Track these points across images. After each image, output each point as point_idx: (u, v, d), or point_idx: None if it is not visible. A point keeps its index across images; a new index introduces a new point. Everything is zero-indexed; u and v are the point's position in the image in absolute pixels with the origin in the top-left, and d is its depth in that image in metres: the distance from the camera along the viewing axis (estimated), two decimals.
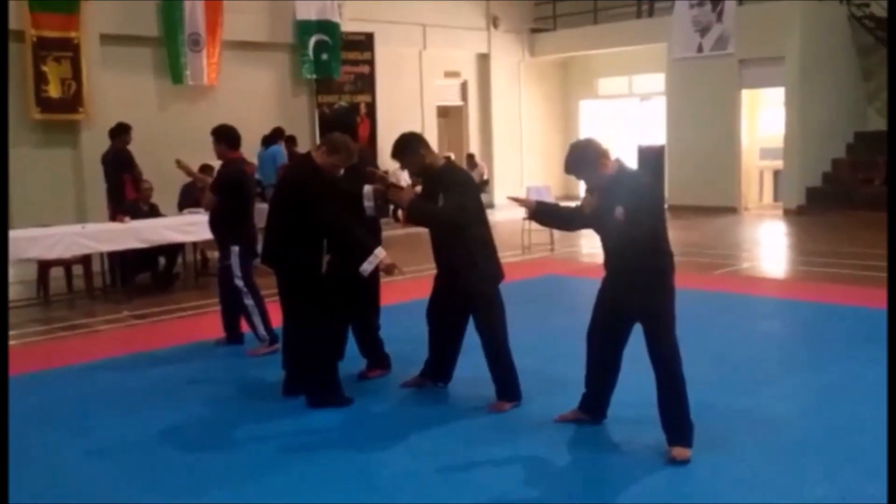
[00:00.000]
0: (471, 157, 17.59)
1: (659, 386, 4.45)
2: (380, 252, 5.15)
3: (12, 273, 10.82)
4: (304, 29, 15.14)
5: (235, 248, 6.58)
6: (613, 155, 4.56)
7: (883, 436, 4.53)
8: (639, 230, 4.34)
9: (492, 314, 5.18)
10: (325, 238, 5.35)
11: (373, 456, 4.61)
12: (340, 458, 4.60)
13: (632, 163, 17.44)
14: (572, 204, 5.08)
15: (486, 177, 17.15)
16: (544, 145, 19.63)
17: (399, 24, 16.53)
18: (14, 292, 9.98)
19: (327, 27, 15.33)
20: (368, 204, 5.65)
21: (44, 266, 9.45)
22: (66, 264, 9.65)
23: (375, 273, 5.99)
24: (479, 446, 4.66)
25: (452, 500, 4.01)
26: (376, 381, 5.86)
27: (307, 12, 15.14)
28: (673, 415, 4.41)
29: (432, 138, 17.62)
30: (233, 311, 6.84)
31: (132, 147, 10.97)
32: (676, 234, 14.18)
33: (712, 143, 16.44)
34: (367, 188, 5.64)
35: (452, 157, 16.05)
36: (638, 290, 4.42)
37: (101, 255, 9.73)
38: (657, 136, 17.88)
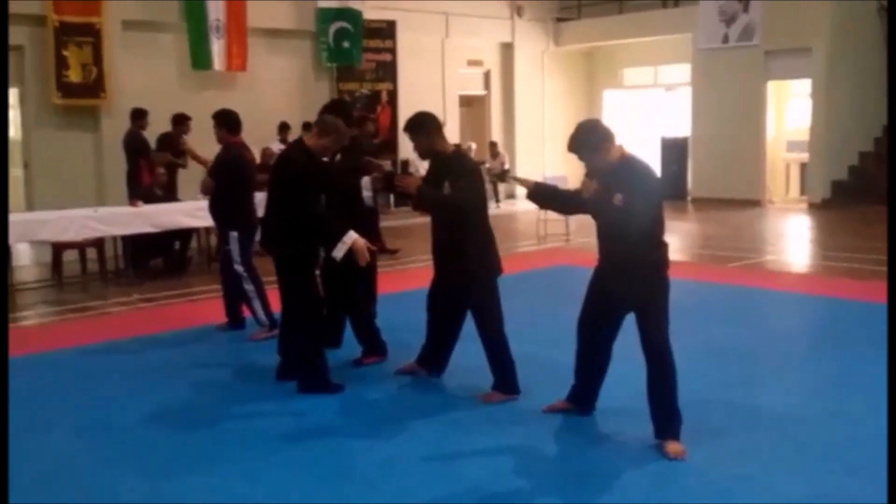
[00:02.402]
0: (493, 145, 17.51)
1: (650, 378, 4.38)
2: (348, 237, 5.09)
3: (29, 255, 10.97)
4: (325, 16, 15.13)
5: (234, 234, 6.59)
6: (620, 141, 4.50)
7: (875, 432, 4.46)
8: (636, 219, 4.25)
9: (490, 307, 5.14)
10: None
11: (356, 442, 4.58)
12: (324, 443, 4.59)
13: (656, 154, 17.48)
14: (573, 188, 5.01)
15: (507, 166, 17.06)
16: (567, 135, 19.31)
17: (421, 12, 16.46)
18: (30, 274, 10.11)
19: (348, 14, 15.31)
20: (367, 194, 5.64)
21: (58, 249, 9.53)
22: (81, 247, 9.73)
23: (373, 261, 6.00)
24: (467, 436, 4.63)
25: (429, 489, 3.97)
26: (371, 367, 5.83)
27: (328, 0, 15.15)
28: (663, 407, 4.34)
29: (454, 127, 17.60)
30: (234, 296, 6.85)
31: (151, 131, 11.05)
32: (697, 226, 14.24)
33: (737, 135, 16.23)
34: (365, 179, 5.63)
35: (473, 148, 16.26)
36: (631, 280, 4.34)
37: (115, 238, 9.80)
38: (682, 127, 17.69)
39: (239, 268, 6.61)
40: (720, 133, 16.45)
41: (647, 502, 3.88)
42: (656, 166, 17.31)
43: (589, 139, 4.41)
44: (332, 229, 5.16)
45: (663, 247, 4.42)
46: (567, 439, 4.60)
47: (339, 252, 5.09)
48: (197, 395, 5.44)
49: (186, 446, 4.58)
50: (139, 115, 10.87)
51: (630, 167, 4.35)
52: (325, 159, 5.53)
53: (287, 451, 4.48)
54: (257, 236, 6.95)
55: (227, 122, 6.60)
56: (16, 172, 13.62)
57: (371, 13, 15.66)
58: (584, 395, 4.77)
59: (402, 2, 16.05)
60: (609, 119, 19.78)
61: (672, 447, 4.26)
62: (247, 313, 6.90)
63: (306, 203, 5.16)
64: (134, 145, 10.66)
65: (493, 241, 5.24)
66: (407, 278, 8.14)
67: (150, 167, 10.54)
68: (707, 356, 6.13)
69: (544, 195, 4.91)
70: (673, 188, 17.24)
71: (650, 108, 19.60)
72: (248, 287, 6.64)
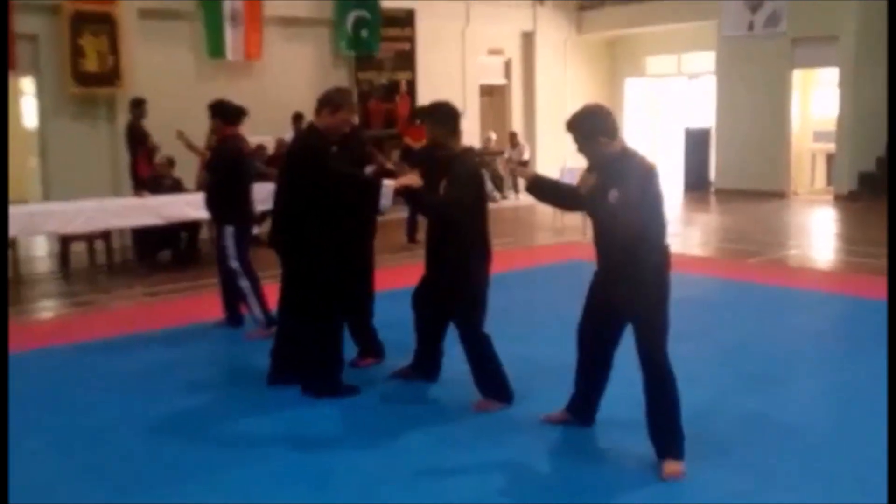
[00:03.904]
0: (513, 135, 17.24)
1: (647, 392, 4.11)
2: (385, 188, 5.05)
3: (44, 247, 10.91)
4: (343, 5, 14.94)
5: (230, 229, 6.41)
6: (627, 136, 4.25)
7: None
8: (632, 219, 3.96)
9: (474, 319, 4.89)
10: (331, 215, 5.09)
11: (342, 454, 4.38)
12: (308, 454, 4.40)
13: (679, 144, 17.10)
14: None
15: (526, 157, 16.77)
16: None
17: (441, 0, 16.17)
18: (42, 265, 10.04)
19: (367, 3, 15.12)
20: (385, 203, 5.37)
21: (65, 240, 9.44)
22: (89, 239, 9.64)
23: (370, 260, 5.79)
24: (457, 448, 4.41)
25: None
26: (367, 370, 5.63)
27: None
28: (661, 424, 4.07)
29: (474, 117, 17.33)
30: (231, 293, 6.69)
31: (168, 121, 10.91)
32: (718, 218, 13.92)
33: (763, 125, 15.86)
34: (388, 184, 5.29)
35: (493, 138, 15.98)
36: (627, 285, 4.07)
37: (123, 230, 9.69)
38: (706, 116, 17.32)
39: (234, 263, 6.43)
40: (745, 123, 16.08)
41: None
42: (679, 156, 17.17)
43: (584, 124, 4.13)
44: (373, 181, 5.14)
45: (662, 250, 4.11)
46: (562, 455, 4.38)
47: (386, 202, 5.05)
48: (184, 400, 5.24)
49: (165, 456, 4.40)
50: (137, 105, 10.75)
51: (628, 162, 4.06)
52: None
53: (269, 463, 4.29)
54: (255, 230, 6.81)
55: (223, 112, 6.41)
56: (32, 162, 13.61)
57: (390, 2, 15.41)
58: (583, 405, 4.53)
59: None
60: (631, 108, 19.49)
61: (669, 467, 4.00)
62: (245, 310, 6.73)
63: (340, 171, 5.08)
64: (132, 136, 10.55)
65: (489, 249, 4.97)
66: (407, 274, 7.91)
67: (148, 158, 10.40)
68: (720, 360, 5.89)
69: (543, 188, 4.57)
70: (696, 179, 16.96)
71: (673, 97, 19.22)
72: (244, 283, 6.45)
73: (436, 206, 4.90)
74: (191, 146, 7.29)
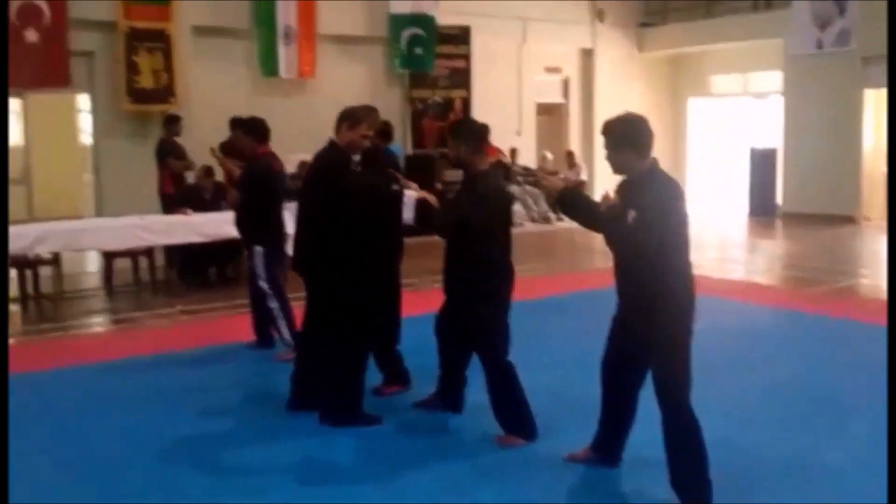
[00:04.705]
0: (570, 154, 16.90)
1: (667, 437, 3.77)
2: (409, 194, 5.06)
3: (97, 262, 10.94)
4: (398, 23, 14.81)
5: (259, 249, 6.24)
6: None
7: None
8: (648, 242, 3.63)
9: (495, 347, 4.61)
10: (354, 233, 4.92)
11: (352, 488, 4.14)
12: (318, 487, 4.19)
13: (745, 166, 16.51)
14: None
15: (583, 177, 16.41)
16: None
17: (497, 17, 15.92)
18: (91, 281, 10.06)
19: (421, 20, 14.95)
20: (407, 216, 5.25)
21: (109, 257, 9.42)
22: (133, 255, 9.60)
23: (397, 283, 5.55)
24: (474, 486, 4.14)
25: None
26: (390, 398, 5.37)
27: (401, 6, 14.82)
28: (684, 472, 3.73)
29: (531, 136, 17.07)
30: (262, 314, 6.51)
31: (212, 139, 10.85)
32: (783, 243, 13.37)
33: (832, 147, 15.22)
34: (412, 195, 5.20)
35: (549, 158, 15.63)
36: (645, 318, 3.74)
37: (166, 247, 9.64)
38: (772, 137, 16.74)
39: (263, 284, 6.26)
40: (813, 144, 15.46)
41: None
42: (745, 178, 16.60)
43: (616, 130, 3.81)
44: (386, 194, 5.05)
45: (678, 277, 3.73)
46: (583, 497, 4.07)
47: (408, 215, 5.01)
48: (199, 423, 5.07)
49: (168, 481, 4.24)
50: (172, 121, 10.73)
51: (652, 181, 3.74)
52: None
53: (273, 493, 4.10)
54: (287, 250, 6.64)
55: (253, 130, 6.26)
56: (86, 178, 13.80)
57: (445, 18, 15.24)
58: (608, 444, 4.21)
59: (477, 4, 15.47)
60: (695, 128, 18.98)
61: None
62: (275, 332, 6.54)
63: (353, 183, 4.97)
64: (161, 152, 10.55)
65: (505, 273, 4.66)
66: (434, 298, 7.67)
67: (171, 176, 10.36)
68: (769, 396, 5.51)
69: (570, 202, 4.19)
70: (761, 202, 16.36)
71: (739, 117, 18.65)
72: (273, 305, 6.28)
73: (434, 225, 4.74)
74: (223, 164, 7.17)
